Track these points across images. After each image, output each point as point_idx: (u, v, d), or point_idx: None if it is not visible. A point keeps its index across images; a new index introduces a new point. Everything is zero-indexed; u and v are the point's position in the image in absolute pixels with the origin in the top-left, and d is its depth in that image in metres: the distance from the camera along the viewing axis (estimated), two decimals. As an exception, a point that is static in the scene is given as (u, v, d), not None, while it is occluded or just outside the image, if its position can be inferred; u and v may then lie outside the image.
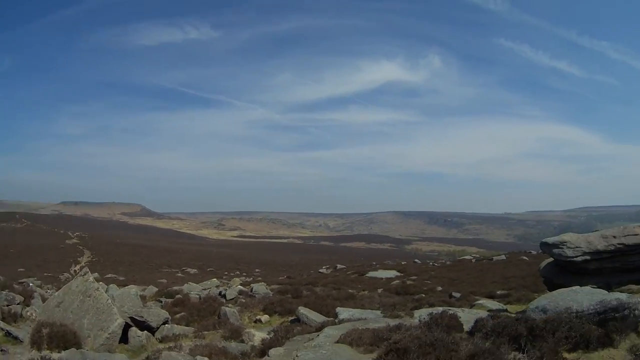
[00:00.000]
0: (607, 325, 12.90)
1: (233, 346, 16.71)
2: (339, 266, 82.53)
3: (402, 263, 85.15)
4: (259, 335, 18.40)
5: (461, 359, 10.45)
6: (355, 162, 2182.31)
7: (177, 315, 25.73)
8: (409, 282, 49.97)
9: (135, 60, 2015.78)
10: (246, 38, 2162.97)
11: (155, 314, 21.50)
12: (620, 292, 17.36)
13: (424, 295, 37.76)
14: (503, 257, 73.08)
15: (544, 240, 24.04)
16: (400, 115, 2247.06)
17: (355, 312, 21.14)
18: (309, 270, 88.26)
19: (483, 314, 18.17)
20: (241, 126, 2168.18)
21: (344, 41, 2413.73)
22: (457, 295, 35.69)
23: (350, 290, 40.24)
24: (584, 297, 14.46)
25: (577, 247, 22.13)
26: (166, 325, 21.40)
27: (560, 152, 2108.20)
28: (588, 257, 21.99)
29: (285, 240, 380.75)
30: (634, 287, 21.06)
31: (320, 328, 16.84)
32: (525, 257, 66.73)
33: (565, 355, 11.91)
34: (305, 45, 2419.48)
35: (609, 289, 19.11)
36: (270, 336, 17.57)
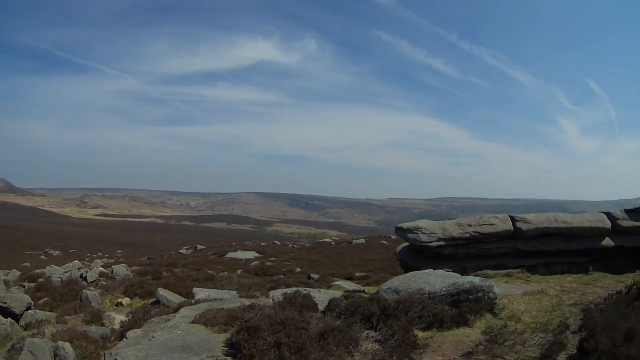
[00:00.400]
0: (460, 306, 13.64)
1: (94, 330, 16.22)
2: (199, 247, 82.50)
3: (262, 244, 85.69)
4: (119, 318, 18.18)
5: (311, 337, 10.76)
6: (220, 140, 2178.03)
7: (40, 301, 24.41)
8: (268, 264, 50.28)
9: (9, 15, 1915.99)
10: (127, 0, 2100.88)
11: (18, 299, 20.33)
12: (476, 276, 18.11)
13: (282, 276, 38.03)
14: (363, 240, 74.97)
15: (399, 225, 24.48)
16: (270, 95, 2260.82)
17: (212, 293, 21.06)
18: (170, 251, 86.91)
19: (339, 294, 18.44)
20: (111, 95, 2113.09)
21: (223, 14, 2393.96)
22: (316, 276, 36.15)
23: (210, 271, 40.01)
24: (436, 280, 15.06)
25: (432, 233, 22.78)
26: (29, 311, 20.20)
27: (426, 145, 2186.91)
28: (443, 243, 22.71)
29: (146, 220, 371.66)
30: (490, 272, 22.26)
31: (177, 309, 16.60)
32: (384, 242, 68.81)
33: (419, 333, 12.42)
34: (184, 15, 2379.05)
35: (465, 273, 20.10)
36: (129, 318, 17.25)
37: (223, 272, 41.93)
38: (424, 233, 22.71)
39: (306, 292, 16.76)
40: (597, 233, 23.69)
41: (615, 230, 23.91)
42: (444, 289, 14.40)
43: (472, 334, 12.78)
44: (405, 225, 23.92)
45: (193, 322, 13.46)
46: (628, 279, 19.28)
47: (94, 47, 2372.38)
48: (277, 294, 17.70)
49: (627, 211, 24.57)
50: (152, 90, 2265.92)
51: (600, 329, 10.87)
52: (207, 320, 13.31)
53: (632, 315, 11.87)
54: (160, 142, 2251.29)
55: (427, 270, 16.85)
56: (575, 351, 11.16)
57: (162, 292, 22.26)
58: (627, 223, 23.92)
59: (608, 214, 24.35)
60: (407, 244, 24.80)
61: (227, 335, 11.92)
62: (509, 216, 24.17)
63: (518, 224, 23.46)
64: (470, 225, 23.36)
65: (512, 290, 17.45)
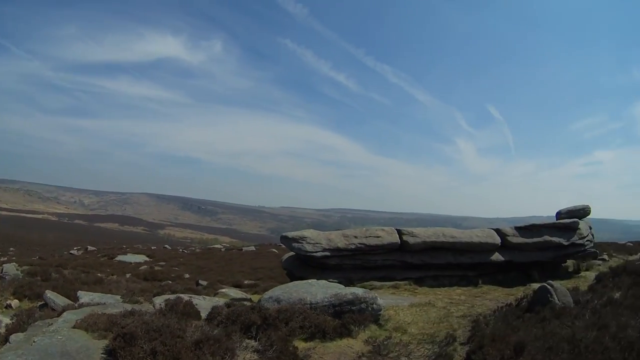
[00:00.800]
0: (343, 317, 13.64)
1: (-20, 334, 15.34)
2: (90, 248, 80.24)
3: (152, 248, 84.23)
4: (5, 322, 17.31)
5: (187, 346, 10.46)
6: (118, 136, 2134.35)
7: None
8: (157, 268, 49.18)
9: None
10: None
11: None
12: (363, 287, 18.17)
13: (170, 282, 37.27)
14: (253, 248, 74.76)
15: (284, 234, 24.34)
16: (171, 94, 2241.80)
17: (96, 297, 20.39)
18: (61, 251, 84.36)
19: (223, 302, 18.05)
20: (14, 78, 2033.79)
21: (137, 4, 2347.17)
22: (204, 283, 35.65)
23: (99, 274, 38.64)
24: (318, 290, 15.13)
25: (317, 243, 22.81)
26: None
27: (322, 155, 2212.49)
28: (328, 254, 22.69)
29: (40, 216, 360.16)
30: (376, 283, 22.40)
31: (61, 313, 15.92)
32: (275, 250, 68.77)
33: (301, 343, 12.39)
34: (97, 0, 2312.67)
35: (351, 283, 20.29)
36: (13, 321, 16.44)
37: (112, 275, 40.59)
38: (309, 243, 22.69)
39: (188, 299, 16.31)
40: (486, 248, 24.17)
41: (506, 245, 24.55)
42: (326, 299, 14.45)
43: (355, 345, 12.64)
44: (290, 234, 23.78)
45: (74, 327, 12.78)
46: (519, 292, 19.66)
47: (5, 24, 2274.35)
48: (160, 300, 17.11)
49: (517, 228, 25.19)
50: (54, 77, 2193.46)
51: (489, 341, 10.86)
52: (88, 325, 12.66)
53: (522, 327, 11.96)
54: (57, 134, 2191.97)
55: (310, 280, 16.88)
56: (463, 363, 11.03)
57: (50, 295, 21.42)
58: (517, 239, 24.56)
59: (498, 231, 24.96)
60: (293, 253, 24.49)
61: (107, 341, 11.29)
62: (396, 229, 24.55)
63: (405, 237, 23.81)
64: (356, 237, 23.50)
65: (399, 302, 17.54)
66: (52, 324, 13.49)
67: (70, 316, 14.08)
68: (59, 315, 15.32)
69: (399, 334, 13.51)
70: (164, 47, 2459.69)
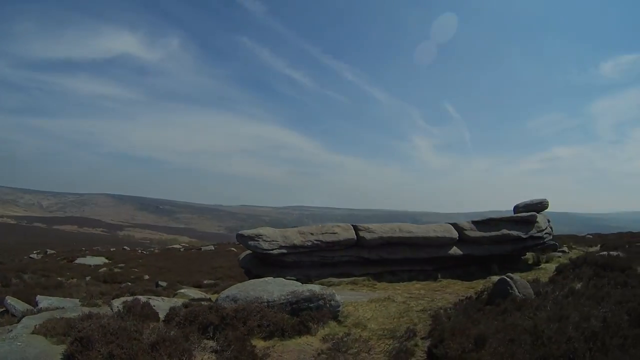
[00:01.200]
0: (301, 314, 13.64)
1: (-60, 341, 14.95)
2: (49, 251, 79.21)
3: (112, 250, 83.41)
4: None
5: (143, 348, 10.30)
6: (75, 136, 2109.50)
7: None
8: (116, 270, 48.95)
9: None
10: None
11: None
12: (321, 284, 18.47)
13: (130, 283, 36.96)
14: (212, 247, 74.47)
15: (240, 232, 24.19)
16: (128, 92, 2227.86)
17: (54, 301, 20.11)
18: (22, 255, 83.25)
19: (182, 302, 17.96)
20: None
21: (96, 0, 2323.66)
22: (164, 284, 35.32)
23: (59, 278, 38.61)
24: (275, 288, 15.09)
25: (273, 240, 22.81)
26: None
27: (279, 153, 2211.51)
28: (285, 251, 22.74)
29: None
30: (334, 280, 22.38)
31: (20, 318, 15.77)
32: (233, 249, 68.57)
33: (260, 342, 12.49)
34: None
35: (309, 281, 20.29)
36: None
37: (72, 279, 40.34)
38: (265, 240, 22.67)
39: (146, 300, 16.15)
40: (444, 242, 24.40)
41: (463, 240, 24.77)
42: (283, 297, 14.42)
43: (315, 342, 12.57)
44: (246, 232, 23.63)
45: (33, 332, 12.76)
46: (479, 285, 19.83)
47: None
48: (118, 302, 16.80)
49: (475, 222, 25.37)
50: (12, 74, 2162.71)
51: (449, 334, 10.90)
52: (47, 330, 12.64)
53: (483, 320, 11.98)
54: (14, 134, 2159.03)
55: (266, 279, 16.81)
56: (424, 357, 11.17)
57: (11, 301, 21.14)
58: (475, 234, 24.78)
59: (455, 225, 25.12)
60: (250, 251, 24.33)
61: (65, 346, 11.11)
62: (352, 225, 24.68)
63: (361, 233, 23.94)
64: (312, 234, 23.62)
65: (358, 298, 17.56)
66: (11, 330, 13.38)
67: (29, 322, 13.97)
68: (18, 321, 15.15)
69: (359, 330, 13.52)
70: (121, 44, 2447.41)
